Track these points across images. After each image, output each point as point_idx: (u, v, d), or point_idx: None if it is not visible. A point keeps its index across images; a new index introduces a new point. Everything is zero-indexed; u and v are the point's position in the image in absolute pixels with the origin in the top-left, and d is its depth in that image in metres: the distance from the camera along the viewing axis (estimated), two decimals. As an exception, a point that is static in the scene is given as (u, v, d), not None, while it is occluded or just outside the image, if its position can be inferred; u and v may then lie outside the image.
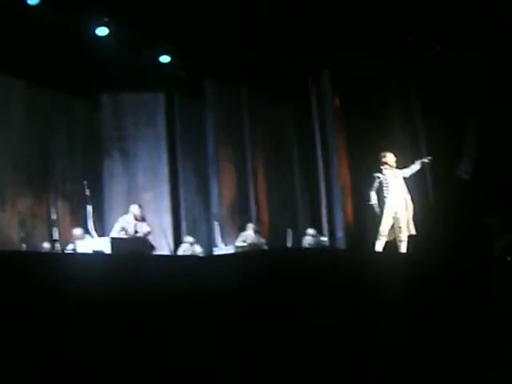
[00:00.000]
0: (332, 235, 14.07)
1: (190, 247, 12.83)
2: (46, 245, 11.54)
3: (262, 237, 13.34)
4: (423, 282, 5.69)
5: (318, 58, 14.02)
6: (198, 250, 12.82)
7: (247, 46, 13.51)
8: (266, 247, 12.83)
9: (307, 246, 13.20)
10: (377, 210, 9.65)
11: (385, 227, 9.61)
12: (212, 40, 13.24)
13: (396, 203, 9.63)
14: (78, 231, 11.27)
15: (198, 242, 13.20)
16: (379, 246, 9.59)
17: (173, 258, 9.35)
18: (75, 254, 9.56)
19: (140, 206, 11.01)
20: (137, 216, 10.72)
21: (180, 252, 12.75)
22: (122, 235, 10.47)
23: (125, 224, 10.67)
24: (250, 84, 15.07)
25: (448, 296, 5.71)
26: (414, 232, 9.65)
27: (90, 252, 9.42)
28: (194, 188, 14.96)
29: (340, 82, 14.28)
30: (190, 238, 13.08)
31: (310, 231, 13.63)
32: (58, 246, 11.10)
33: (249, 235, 13.02)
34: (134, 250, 9.61)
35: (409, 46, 12.99)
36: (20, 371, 3.52)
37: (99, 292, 4.19)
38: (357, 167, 13.64)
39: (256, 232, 13.20)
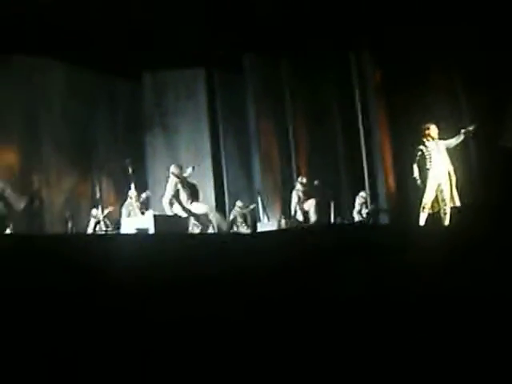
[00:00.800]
0: (375, 209, 13.96)
1: (240, 211, 12.90)
2: (91, 222, 11.71)
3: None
4: (466, 255, 5.61)
5: (359, 32, 13.82)
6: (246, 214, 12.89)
7: (287, 20, 13.38)
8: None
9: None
10: (419, 182, 9.53)
11: (428, 199, 9.48)
12: (252, 14, 13.15)
13: (439, 175, 9.47)
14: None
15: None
16: (423, 219, 9.49)
17: (218, 236, 9.37)
18: (119, 235, 9.67)
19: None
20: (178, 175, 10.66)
21: (231, 216, 12.83)
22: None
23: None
24: (290, 58, 14.95)
25: (492, 269, 5.62)
26: (458, 203, 9.51)
27: (134, 229, 9.52)
28: (237, 162, 14.97)
29: (381, 56, 14.09)
30: (239, 203, 13.15)
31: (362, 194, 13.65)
32: (102, 223, 11.24)
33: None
34: (176, 227, 9.67)
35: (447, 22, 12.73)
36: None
37: (147, 272, 4.21)
38: (399, 140, 13.48)
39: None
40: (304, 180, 13.25)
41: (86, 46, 12.59)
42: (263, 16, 13.19)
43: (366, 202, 13.68)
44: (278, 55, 14.96)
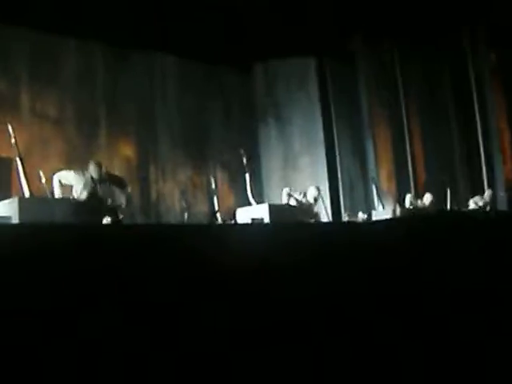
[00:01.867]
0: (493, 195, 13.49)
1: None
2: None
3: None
4: None
5: (473, 12, 13.38)
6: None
7: (398, 5, 13.11)
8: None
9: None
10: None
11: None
12: (363, 1, 12.98)
13: None
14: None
15: (356, 206, 13.09)
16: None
17: (328, 225, 9.30)
18: (234, 225, 9.71)
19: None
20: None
21: None
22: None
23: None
24: (402, 43, 14.65)
25: None
26: None
27: (249, 219, 9.55)
28: (350, 150, 14.84)
29: (496, 37, 13.59)
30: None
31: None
32: (218, 214, 11.33)
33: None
34: (292, 217, 9.64)
35: None
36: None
37: (259, 261, 4.20)
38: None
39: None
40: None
41: (196, 38, 12.78)
42: (374, 2, 12.98)
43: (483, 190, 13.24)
44: (389, 41, 14.70)
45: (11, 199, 7.23)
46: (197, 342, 3.60)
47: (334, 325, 4.04)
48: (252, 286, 3.89)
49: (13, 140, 8.01)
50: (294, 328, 3.98)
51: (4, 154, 10.22)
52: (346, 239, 5.08)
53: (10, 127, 7.86)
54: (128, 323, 3.47)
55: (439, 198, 13.20)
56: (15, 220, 6.86)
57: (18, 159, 7.85)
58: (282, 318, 3.94)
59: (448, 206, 12.98)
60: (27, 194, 7.39)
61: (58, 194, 7.94)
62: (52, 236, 3.84)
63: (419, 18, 13.34)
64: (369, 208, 13.67)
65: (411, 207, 12.33)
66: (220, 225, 10.18)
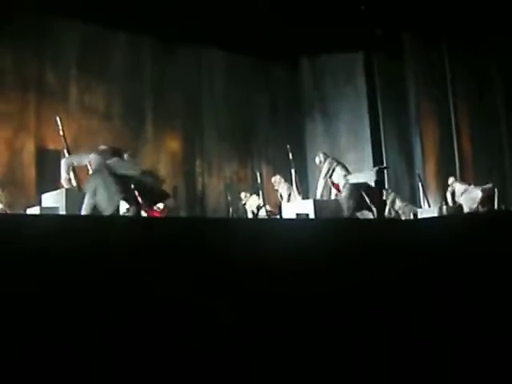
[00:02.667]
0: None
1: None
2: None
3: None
4: None
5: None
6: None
7: (449, 1, 12.93)
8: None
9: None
10: None
11: None
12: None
13: None
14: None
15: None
16: None
17: (374, 222, 9.21)
18: (277, 220, 9.71)
19: None
20: None
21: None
22: None
23: None
24: (451, 40, 14.45)
25: None
26: None
27: (294, 214, 9.54)
28: (397, 147, 14.70)
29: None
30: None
31: None
32: (263, 209, 11.33)
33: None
34: (335, 211, 9.59)
35: None
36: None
37: (307, 256, 4.18)
38: None
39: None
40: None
41: (244, 32, 12.79)
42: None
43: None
44: (438, 36, 14.51)
45: (59, 190, 7.33)
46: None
47: (375, 318, 4.01)
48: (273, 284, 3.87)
49: (61, 132, 8.11)
50: (332, 320, 3.95)
51: (52, 147, 10.40)
52: (389, 236, 5.03)
53: (58, 119, 7.95)
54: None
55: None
56: (62, 211, 6.96)
57: (65, 151, 7.94)
58: (322, 310, 3.92)
59: (496, 207, 12.79)
60: (74, 186, 7.44)
61: (65, 177, 7.37)
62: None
63: (469, 15, 13.14)
64: (415, 205, 13.54)
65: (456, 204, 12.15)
66: (264, 219, 10.18)
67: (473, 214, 10.18)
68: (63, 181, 7.27)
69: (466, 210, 11.96)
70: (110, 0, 11.10)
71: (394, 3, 13.19)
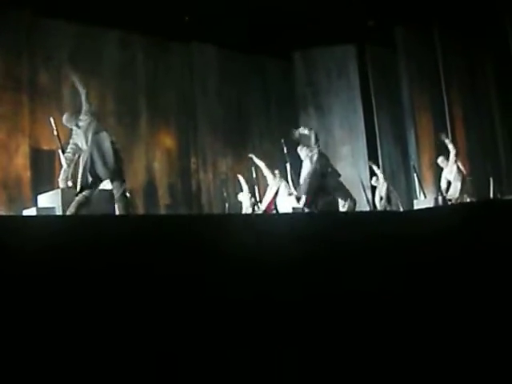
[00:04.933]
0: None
1: None
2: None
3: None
4: None
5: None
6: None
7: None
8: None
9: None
10: None
11: None
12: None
13: None
14: None
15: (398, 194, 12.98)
16: None
17: (367, 214, 9.22)
18: (269, 215, 9.74)
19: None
20: None
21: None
22: None
23: None
24: (442, 28, 14.45)
25: None
26: None
27: (290, 208, 9.57)
28: (392, 139, 14.73)
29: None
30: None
31: None
32: (258, 204, 11.35)
33: None
34: (329, 206, 9.62)
35: None
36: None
37: (296, 251, 4.19)
38: None
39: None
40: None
41: (236, 28, 12.78)
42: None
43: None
44: (430, 27, 14.51)
45: (55, 191, 7.33)
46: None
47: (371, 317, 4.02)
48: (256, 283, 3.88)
49: (55, 132, 8.11)
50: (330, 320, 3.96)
51: (46, 147, 10.38)
52: (387, 228, 5.04)
53: (52, 120, 7.95)
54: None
55: (482, 187, 13.04)
56: (58, 211, 6.96)
57: (59, 151, 7.93)
58: (318, 311, 3.93)
59: (491, 195, 12.82)
60: (69, 185, 7.43)
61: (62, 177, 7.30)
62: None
63: (461, 6, 13.14)
64: (410, 197, 13.57)
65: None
66: (259, 214, 10.19)
67: (460, 205, 10.17)
68: (60, 180, 7.24)
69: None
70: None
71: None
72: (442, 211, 7.34)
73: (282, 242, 4.17)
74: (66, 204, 6.87)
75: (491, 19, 13.78)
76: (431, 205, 11.87)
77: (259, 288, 3.77)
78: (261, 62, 14.36)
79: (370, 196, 13.26)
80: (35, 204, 7.79)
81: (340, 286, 4.01)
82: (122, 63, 12.59)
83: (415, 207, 12.39)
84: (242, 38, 13.08)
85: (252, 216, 9.01)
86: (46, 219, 5.12)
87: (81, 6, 10.91)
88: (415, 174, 13.21)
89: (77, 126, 6.79)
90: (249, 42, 13.31)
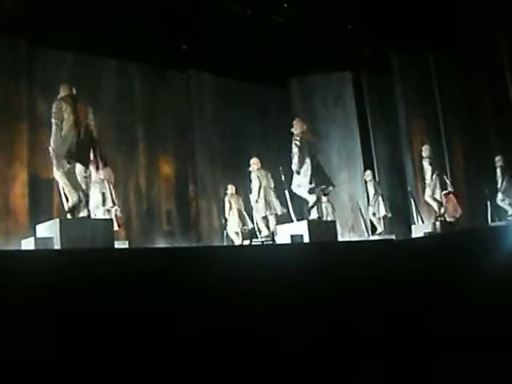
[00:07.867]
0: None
1: None
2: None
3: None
4: None
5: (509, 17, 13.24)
6: None
7: (435, 19, 13.04)
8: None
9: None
10: None
11: None
12: (395, 13, 12.95)
13: None
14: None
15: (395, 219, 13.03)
16: None
17: (367, 243, 9.27)
18: (273, 245, 9.77)
19: None
20: None
21: None
22: None
23: None
24: (437, 53, 14.58)
25: None
26: None
27: (289, 236, 9.57)
28: (389, 164, 14.77)
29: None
30: None
31: None
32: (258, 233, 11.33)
33: None
34: (327, 232, 9.67)
35: None
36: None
37: (298, 279, 4.22)
38: None
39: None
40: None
41: (232, 55, 12.90)
42: (407, 13, 12.95)
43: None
44: (424, 52, 14.64)
45: (53, 221, 7.33)
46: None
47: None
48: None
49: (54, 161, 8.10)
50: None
51: (45, 176, 10.40)
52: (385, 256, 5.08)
53: (50, 149, 7.95)
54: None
55: (479, 210, 13.07)
56: (57, 241, 6.95)
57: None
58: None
59: (489, 219, 12.85)
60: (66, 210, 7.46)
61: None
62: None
63: (455, 32, 13.26)
64: (408, 222, 13.58)
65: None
66: (256, 245, 10.21)
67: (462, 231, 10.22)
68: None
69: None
70: (98, 27, 11.16)
71: (380, 22, 13.31)
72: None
73: (271, 275, 4.20)
74: (64, 234, 6.87)
75: (486, 42, 13.90)
76: (429, 230, 11.90)
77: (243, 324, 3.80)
78: (257, 89, 14.41)
79: (368, 222, 13.30)
80: (33, 233, 7.77)
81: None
82: (120, 91, 12.64)
83: (413, 232, 12.41)
84: (239, 65, 13.18)
85: (239, 248, 9.07)
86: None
87: (79, 35, 10.99)
88: (412, 200, 13.24)
89: None
90: (245, 70, 13.40)
